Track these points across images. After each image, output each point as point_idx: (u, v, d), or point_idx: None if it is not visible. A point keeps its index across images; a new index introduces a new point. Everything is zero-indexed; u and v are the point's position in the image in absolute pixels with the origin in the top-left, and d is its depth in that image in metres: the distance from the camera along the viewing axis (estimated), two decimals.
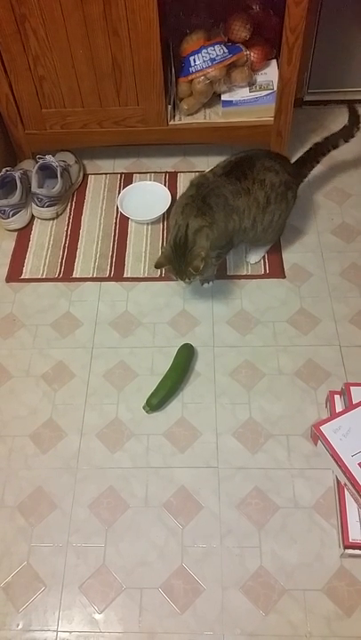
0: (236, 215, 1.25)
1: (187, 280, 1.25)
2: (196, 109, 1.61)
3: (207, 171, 1.31)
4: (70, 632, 0.99)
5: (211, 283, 1.43)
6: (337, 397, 1.18)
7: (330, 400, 1.19)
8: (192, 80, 1.55)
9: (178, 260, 1.22)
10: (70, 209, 1.63)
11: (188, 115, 1.61)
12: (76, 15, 1.33)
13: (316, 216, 1.57)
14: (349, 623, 0.98)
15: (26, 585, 1.04)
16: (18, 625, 1.00)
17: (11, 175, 1.55)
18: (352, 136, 1.45)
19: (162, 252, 1.27)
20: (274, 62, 1.62)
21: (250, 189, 1.25)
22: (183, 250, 1.20)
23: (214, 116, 1.61)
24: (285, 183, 1.30)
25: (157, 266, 1.26)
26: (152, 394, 1.23)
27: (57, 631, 0.99)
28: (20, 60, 1.43)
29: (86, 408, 1.25)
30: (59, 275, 1.48)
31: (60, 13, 1.33)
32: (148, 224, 1.58)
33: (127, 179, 1.69)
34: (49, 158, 1.58)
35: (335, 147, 1.45)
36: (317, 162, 1.47)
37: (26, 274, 1.49)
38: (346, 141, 1.45)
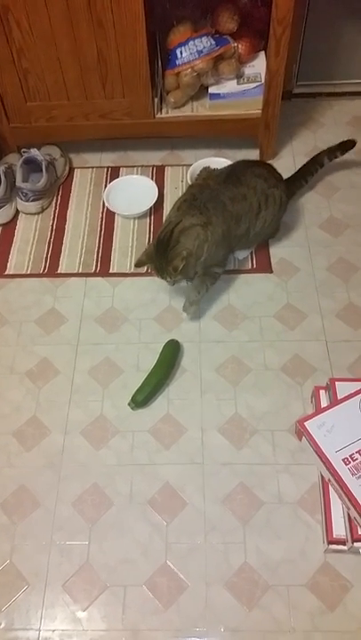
0: (233, 221, 1.27)
1: (168, 279, 1.25)
2: (184, 102, 1.59)
3: (205, 179, 1.33)
4: (53, 630, 0.99)
5: (194, 306, 1.33)
6: (322, 392, 1.18)
7: (315, 395, 1.18)
8: (179, 72, 1.53)
9: (159, 258, 1.21)
10: (56, 203, 1.61)
11: (175, 108, 1.59)
12: (59, 6, 1.31)
13: (303, 210, 1.56)
14: (333, 618, 0.98)
15: (8, 583, 1.03)
16: (0, 624, 1.00)
17: None
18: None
19: (145, 250, 1.26)
20: (262, 54, 1.60)
21: (246, 195, 1.28)
22: (165, 247, 1.20)
23: (202, 108, 1.59)
24: (274, 187, 1.33)
25: (137, 264, 1.25)
26: (137, 390, 1.23)
27: (39, 630, 0.99)
28: (4, 52, 1.40)
29: (71, 405, 1.24)
30: (44, 270, 1.47)
31: (44, 4, 1.31)
32: (134, 219, 1.56)
33: (114, 172, 1.67)
34: (34, 152, 1.56)
35: (322, 165, 1.51)
36: (306, 181, 1.52)
37: (10, 269, 1.47)
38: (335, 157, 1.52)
